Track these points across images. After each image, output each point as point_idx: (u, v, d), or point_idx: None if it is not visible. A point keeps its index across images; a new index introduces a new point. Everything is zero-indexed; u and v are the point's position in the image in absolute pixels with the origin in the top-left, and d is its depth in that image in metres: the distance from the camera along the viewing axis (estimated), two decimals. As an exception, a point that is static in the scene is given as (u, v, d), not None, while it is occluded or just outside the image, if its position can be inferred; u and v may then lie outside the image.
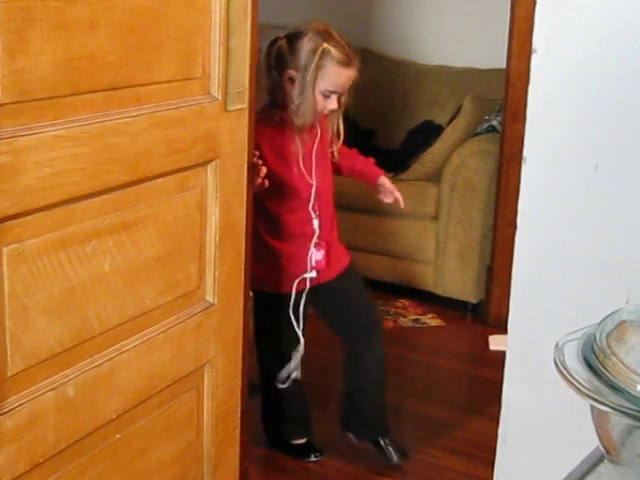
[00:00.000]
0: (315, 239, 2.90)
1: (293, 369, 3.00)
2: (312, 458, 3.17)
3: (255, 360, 3.01)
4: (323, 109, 2.78)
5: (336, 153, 2.98)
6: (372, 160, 3.18)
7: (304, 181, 2.86)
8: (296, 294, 2.92)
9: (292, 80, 2.75)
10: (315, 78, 2.70)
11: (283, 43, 2.76)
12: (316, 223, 2.90)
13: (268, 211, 2.89)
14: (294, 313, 2.93)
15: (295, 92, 2.76)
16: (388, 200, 3.14)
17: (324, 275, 2.98)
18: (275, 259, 2.94)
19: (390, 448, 3.10)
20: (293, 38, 2.76)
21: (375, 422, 3.15)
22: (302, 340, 2.95)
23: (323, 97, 2.75)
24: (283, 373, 3.01)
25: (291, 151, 2.83)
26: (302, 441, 3.20)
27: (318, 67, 2.71)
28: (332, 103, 2.78)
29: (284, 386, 3.02)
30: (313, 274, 2.92)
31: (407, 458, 3.13)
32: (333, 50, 2.71)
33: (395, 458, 3.10)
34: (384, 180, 3.15)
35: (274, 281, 2.95)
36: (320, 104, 2.76)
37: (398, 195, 3.12)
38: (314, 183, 2.86)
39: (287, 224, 2.91)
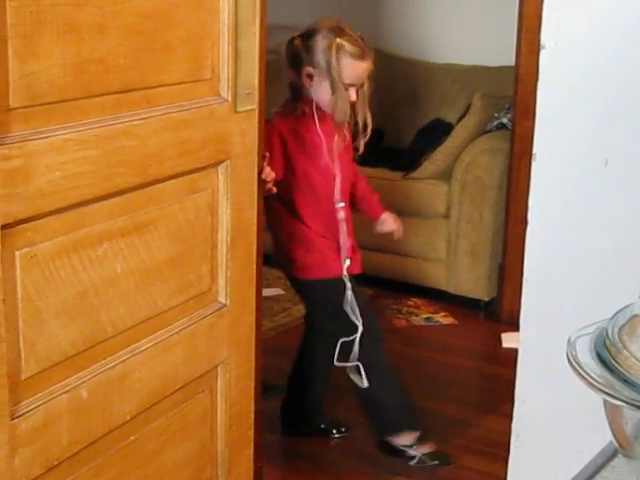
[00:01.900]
0: (344, 228, 2.94)
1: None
2: (336, 434, 3.24)
3: (269, 358, 3.02)
4: None
5: (361, 147, 3.00)
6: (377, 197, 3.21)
7: (329, 173, 2.91)
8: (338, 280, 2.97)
9: (310, 77, 2.84)
10: (340, 73, 2.76)
11: (298, 42, 2.84)
12: (342, 214, 2.94)
13: (293, 205, 2.92)
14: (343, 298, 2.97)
15: (315, 88, 2.84)
16: (388, 229, 3.16)
17: (352, 268, 3.02)
18: (309, 245, 2.97)
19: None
20: (307, 37, 2.84)
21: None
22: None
23: None
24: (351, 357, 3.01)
25: (315, 143, 2.88)
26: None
27: (338, 62, 2.78)
28: (352, 95, 2.84)
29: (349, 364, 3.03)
30: (348, 262, 2.96)
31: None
32: (347, 44, 2.79)
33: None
34: (386, 217, 3.17)
35: (319, 266, 2.99)
36: None
37: (399, 225, 3.16)
38: (338, 175, 2.91)
39: (312, 215, 2.94)
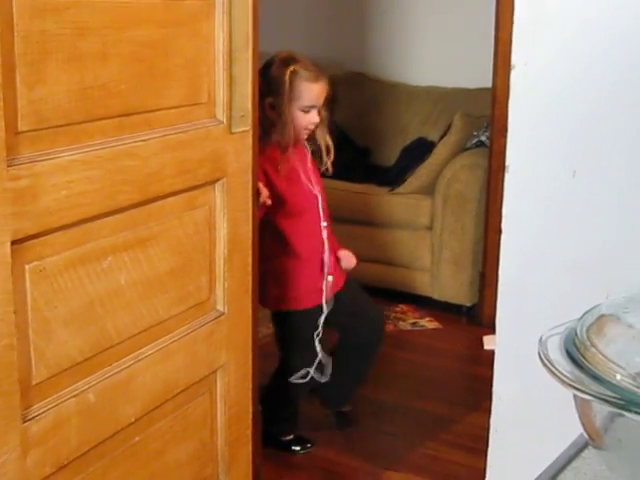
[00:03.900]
0: (327, 246, 2.95)
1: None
2: (301, 451, 3.19)
3: (266, 365, 3.01)
4: (308, 124, 2.88)
5: (330, 167, 3.02)
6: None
7: (311, 195, 2.91)
8: (316, 308, 2.96)
9: (273, 106, 2.83)
10: (290, 99, 2.81)
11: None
12: (325, 233, 2.95)
13: (280, 231, 2.92)
14: (315, 328, 2.97)
15: (276, 116, 2.84)
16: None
17: (336, 286, 3.01)
18: (292, 276, 2.96)
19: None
20: (264, 70, 2.85)
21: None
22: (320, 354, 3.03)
23: (304, 113, 2.84)
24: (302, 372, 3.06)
25: (292, 169, 2.88)
26: (291, 437, 3.22)
27: (291, 89, 2.81)
28: (314, 117, 2.87)
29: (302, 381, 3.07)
30: (330, 278, 2.96)
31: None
32: (300, 70, 2.83)
33: None
34: (344, 255, 3.19)
35: (293, 298, 2.98)
36: (304, 120, 2.85)
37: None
38: (318, 195, 2.92)
39: (300, 238, 2.94)
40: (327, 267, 2.97)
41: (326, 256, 2.97)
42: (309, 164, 2.96)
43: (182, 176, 1.94)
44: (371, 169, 5.08)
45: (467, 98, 4.94)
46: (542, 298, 1.38)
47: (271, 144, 2.87)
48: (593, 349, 0.84)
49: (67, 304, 1.67)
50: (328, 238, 2.98)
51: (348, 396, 3.35)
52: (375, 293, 4.53)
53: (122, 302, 1.82)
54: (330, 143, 2.97)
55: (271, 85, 2.82)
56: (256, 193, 2.65)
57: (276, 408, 3.15)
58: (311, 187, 2.92)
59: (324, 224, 2.96)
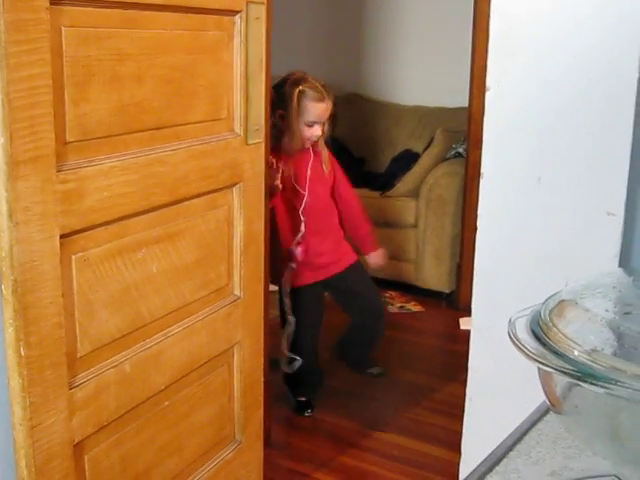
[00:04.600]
0: (298, 238, 2.96)
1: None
2: (306, 413, 3.19)
3: (275, 339, 3.01)
4: (311, 136, 2.90)
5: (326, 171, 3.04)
6: (370, 231, 3.27)
7: (298, 193, 2.93)
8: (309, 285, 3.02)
9: (283, 117, 2.86)
10: (297, 115, 2.83)
11: (272, 92, 2.87)
12: (302, 226, 2.96)
13: (276, 223, 2.95)
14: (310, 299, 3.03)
15: (285, 126, 2.88)
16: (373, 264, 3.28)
17: (334, 269, 3.04)
18: (280, 259, 3.00)
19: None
20: (278, 87, 2.88)
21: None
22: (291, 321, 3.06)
23: (308, 127, 2.86)
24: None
25: (289, 170, 2.91)
26: (303, 398, 3.22)
27: (298, 105, 2.83)
28: (317, 131, 2.90)
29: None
30: (293, 265, 2.99)
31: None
32: (308, 90, 2.85)
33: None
34: (373, 256, 3.29)
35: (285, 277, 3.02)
36: (307, 132, 2.89)
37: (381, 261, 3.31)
38: (306, 195, 2.93)
39: (286, 228, 2.97)
40: (296, 256, 2.99)
41: (294, 246, 2.98)
42: (310, 167, 2.96)
43: (205, 181, 1.94)
44: (366, 176, 5.07)
45: (447, 116, 4.93)
46: (511, 285, 1.38)
47: (275, 148, 2.89)
48: (554, 329, 0.84)
49: (107, 289, 1.67)
50: (307, 229, 2.97)
51: (364, 358, 3.40)
52: (368, 281, 4.55)
53: (154, 287, 1.82)
54: (326, 153, 3.00)
55: (282, 100, 2.84)
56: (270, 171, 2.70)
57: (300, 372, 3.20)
58: (302, 188, 2.94)
59: (302, 218, 2.96)
